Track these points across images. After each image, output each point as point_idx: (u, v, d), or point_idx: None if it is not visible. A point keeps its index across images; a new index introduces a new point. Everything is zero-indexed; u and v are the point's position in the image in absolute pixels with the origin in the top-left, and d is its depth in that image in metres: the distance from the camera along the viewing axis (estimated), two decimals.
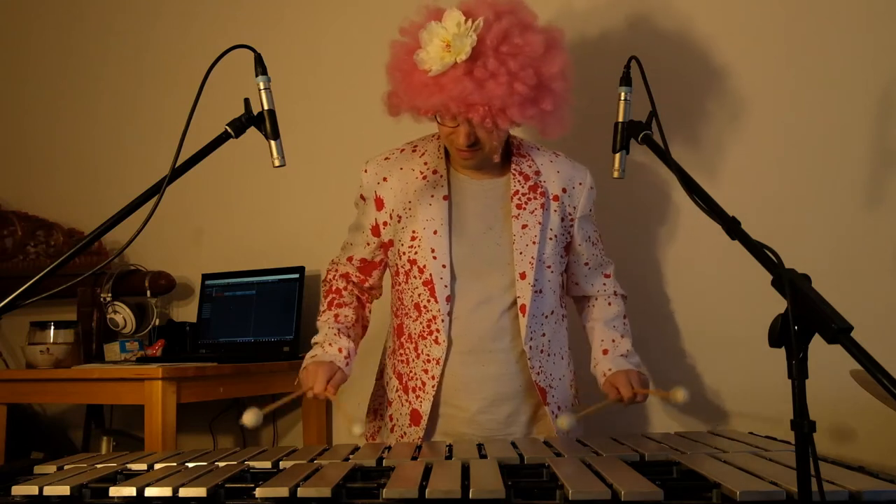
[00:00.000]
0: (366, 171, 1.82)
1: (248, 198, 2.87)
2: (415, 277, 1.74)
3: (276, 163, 1.47)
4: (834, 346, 0.97)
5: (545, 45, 1.60)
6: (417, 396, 1.75)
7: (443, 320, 1.71)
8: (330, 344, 1.78)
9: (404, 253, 1.75)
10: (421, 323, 1.74)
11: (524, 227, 1.73)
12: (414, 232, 1.74)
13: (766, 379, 2.10)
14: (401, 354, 1.80)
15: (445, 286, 1.71)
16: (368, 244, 1.84)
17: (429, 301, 1.72)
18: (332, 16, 2.76)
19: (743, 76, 2.18)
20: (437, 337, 1.72)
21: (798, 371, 0.95)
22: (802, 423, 0.94)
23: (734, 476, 1.15)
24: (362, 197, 1.83)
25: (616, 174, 1.53)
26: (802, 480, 0.94)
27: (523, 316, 1.71)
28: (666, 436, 1.57)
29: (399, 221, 1.76)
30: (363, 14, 2.67)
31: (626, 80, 1.53)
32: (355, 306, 1.87)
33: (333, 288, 1.89)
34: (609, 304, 1.89)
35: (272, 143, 1.47)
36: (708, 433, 1.59)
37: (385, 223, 1.79)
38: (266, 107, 1.47)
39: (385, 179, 1.79)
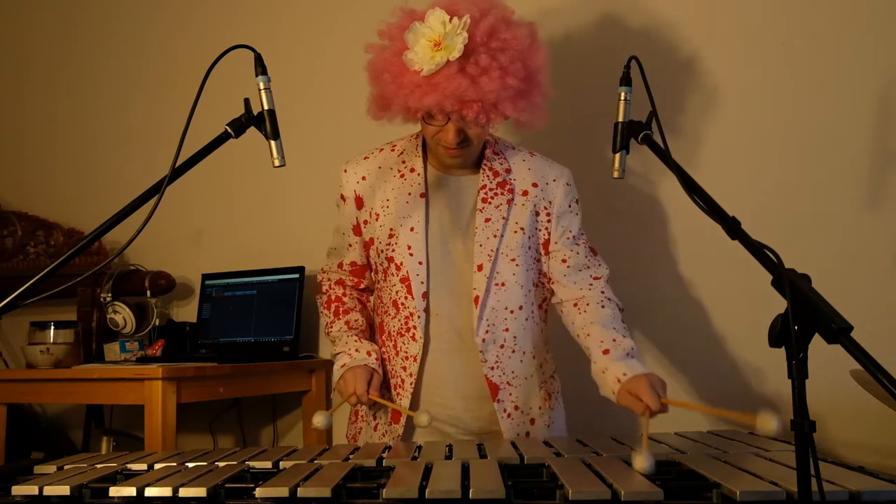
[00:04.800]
0: (345, 171, 1.83)
1: (248, 198, 2.87)
2: (392, 275, 1.75)
3: (276, 163, 1.47)
4: (834, 346, 0.97)
5: (530, 37, 1.62)
6: (398, 394, 1.75)
7: (419, 317, 1.71)
8: (357, 350, 1.77)
9: (382, 251, 1.77)
10: (399, 320, 1.75)
11: (487, 220, 1.73)
12: (392, 230, 1.75)
13: (766, 379, 2.11)
14: (382, 353, 1.80)
15: (422, 283, 1.71)
16: (352, 245, 1.85)
17: (406, 298, 1.72)
18: (332, 16, 2.76)
19: (743, 76, 2.19)
20: (413, 334, 1.72)
21: (798, 371, 0.95)
22: (802, 423, 0.94)
23: (734, 476, 1.15)
24: (343, 197, 1.83)
25: (616, 174, 1.53)
26: (802, 480, 0.94)
27: (475, 307, 1.70)
28: (666, 436, 1.57)
29: (377, 220, 1.77)
30: (363, 14, 2.66)
31: (625, 80, 1.53)
32: (360, 309, 1.88)
33: (333, 297, 1.89)
34: (602, 306, 1.74)
35: (272, 143, 1.47)
36: (708, 433, 1.58)
37: (365, 222, 1.80)
38: (266, 107, 1.47)
39: (364, 178, 1.80)
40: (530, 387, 1.78)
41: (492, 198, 1.75)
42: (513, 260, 1.75)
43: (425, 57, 1.55)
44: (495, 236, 1.73)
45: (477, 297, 1.71)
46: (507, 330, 1.74)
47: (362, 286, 1.90)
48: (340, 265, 1.89)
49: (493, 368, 1.73)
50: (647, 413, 1.49)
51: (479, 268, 1.71)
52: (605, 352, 1.65)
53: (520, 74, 1.58)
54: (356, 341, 1.80)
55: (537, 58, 1.63)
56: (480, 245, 1.72)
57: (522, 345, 1.77)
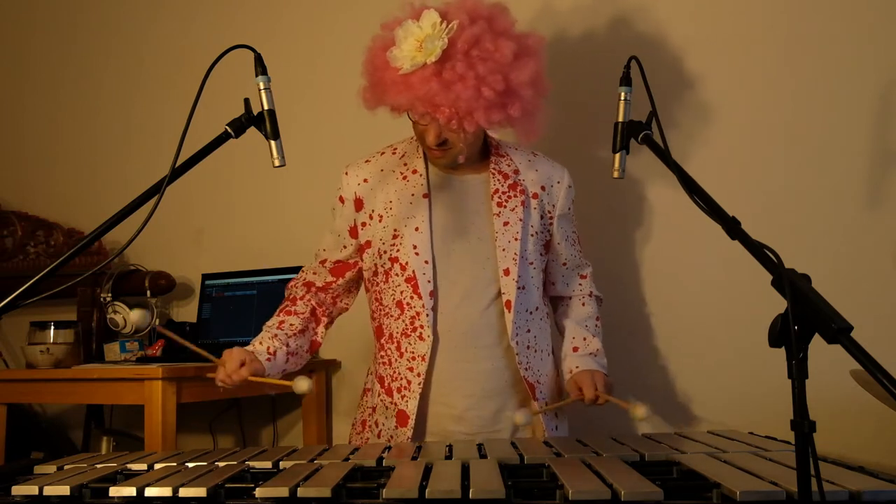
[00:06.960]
0: (346, 173, 1.83)
1: (248, 198, 2.87)
2: (396, 275, 1.75)
3: (276, 163, 1.47)
4: (834, 346, 0.96)
5: (517, 52, 1.61)
6: (403, 396, 1.74)
7: (427, 315, 1.71)
8: (260, 343, 1.80)
9: (385, 252, 1.76)
10: (403, 321, 1.74)
11: (506, 223, 1.74)
12: (396, 230, 1.75)
13: (766, 379, 2.10)
14: (382, 357, 1.80)
15: (428, 281, 1.72)
16: (345, 247, 1.85)
17: (412, 297, 1.72)
18: (332, 16, 2.76)
19: (743, 75, 2.19)
20: (421, 333, 1.72)
21: (798, 371, 0.95)
22: (802, 423, 0.94)
23: (734, 476, 1.15)
24: (341, 199, 1.83)
25: (616, 174, 1.53)
26: (802, 480, 0.94)
27: (509, 312, 1.72)
28: (666, 436, 1.57)
29: (380, 221, 1.77)
30: (363, 14, 2.66)
31: (626, 80, 1.53)
32: (305, 317, 1.86)
33: (290, 296, 1.91)
34: (583, 304, 1.91)
35: (272, 143, 1.47)
36: (708, 433, 1.59)
37: (364, 224, 1.80)
38: (266, 107, 1.47)
39: (365, 181, 1.81)
40: (552, 382, 1.84)
41: (506, 201, 1.76)
42: (531, 263, 1.77)
43: (407, 56, 1.57)
44: (516, 239, 1.74)
45: (509, 302, 1.72)
46: (529, 331, 1.77)
47: (335, 285, 1.88)
48: (323, 262, 1.88)
49: (527, 369, 1.76)
50: (581, 398, 1.72)
51: (507, 272, 1.72)
52: (574, 349, 1.86)
53: (498, 87, 1.58)
54: (269, 339, 1.81)
55: (523, 72, 1.61)
56: (503, 249, 1.73)
57: (542, 344, 1.81)
